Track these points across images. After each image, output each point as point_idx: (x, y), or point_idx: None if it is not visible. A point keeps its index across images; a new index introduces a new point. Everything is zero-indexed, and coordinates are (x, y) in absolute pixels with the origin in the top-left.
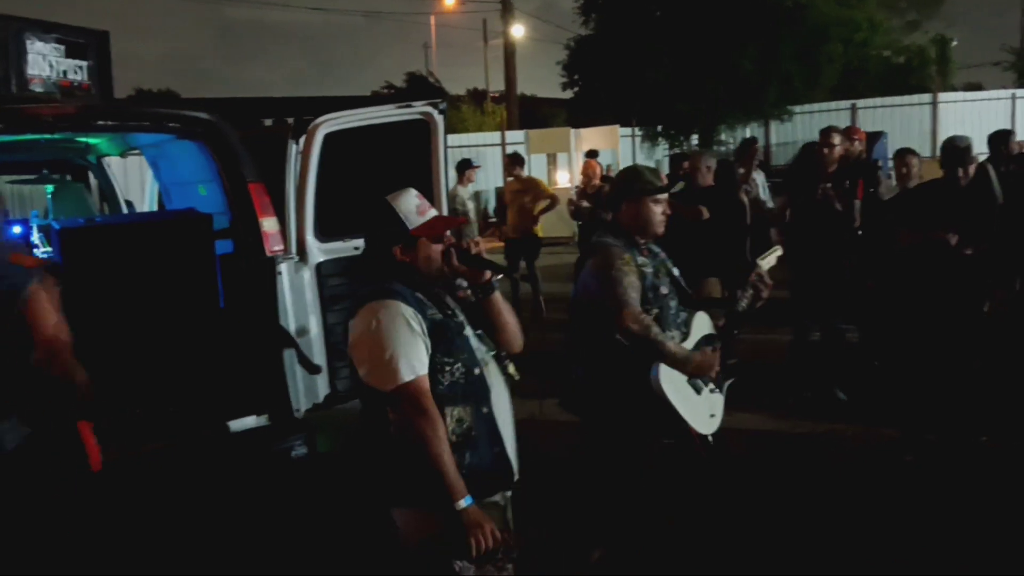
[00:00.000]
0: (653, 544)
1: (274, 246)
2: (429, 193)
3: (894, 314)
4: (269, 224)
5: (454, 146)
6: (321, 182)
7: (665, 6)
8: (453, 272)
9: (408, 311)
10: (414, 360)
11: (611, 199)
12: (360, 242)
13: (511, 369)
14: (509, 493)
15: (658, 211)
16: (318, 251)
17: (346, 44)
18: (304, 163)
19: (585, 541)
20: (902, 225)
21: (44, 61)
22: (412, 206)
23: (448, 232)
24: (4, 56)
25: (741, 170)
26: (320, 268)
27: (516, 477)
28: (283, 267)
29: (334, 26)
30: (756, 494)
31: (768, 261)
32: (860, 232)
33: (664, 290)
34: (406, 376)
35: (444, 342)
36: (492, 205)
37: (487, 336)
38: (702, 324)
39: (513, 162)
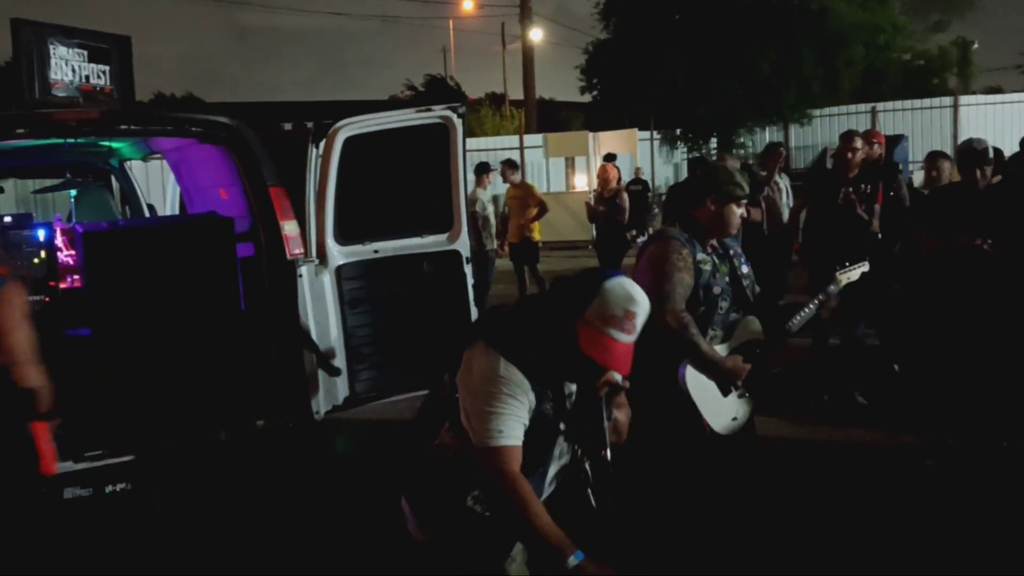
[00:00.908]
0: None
1: (294, 249)
2: (448, 197)
3: (915, 318)
4: (290, 227)
5: (472, 150)
6: (341, 186)
7: (684, 9)
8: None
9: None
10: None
11: (694, 193)
12: (380, 245)
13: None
14: None
15: (738, 214)
16: (338, 254)
17: (362, 48)
18: (324, 167)
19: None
20: (922, 230)
21: (67, 66)
22: (619, 311)
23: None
24: (28, 61)
25: (763, 173)
26: (340, 271)
27: None
28: (303, 270)
29: (350, 30)
30: (774, 497)
31: (849, 276)
32: (879, 236)
33: (717, 290)
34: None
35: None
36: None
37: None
38: (749, 329)
39: (509, 168)
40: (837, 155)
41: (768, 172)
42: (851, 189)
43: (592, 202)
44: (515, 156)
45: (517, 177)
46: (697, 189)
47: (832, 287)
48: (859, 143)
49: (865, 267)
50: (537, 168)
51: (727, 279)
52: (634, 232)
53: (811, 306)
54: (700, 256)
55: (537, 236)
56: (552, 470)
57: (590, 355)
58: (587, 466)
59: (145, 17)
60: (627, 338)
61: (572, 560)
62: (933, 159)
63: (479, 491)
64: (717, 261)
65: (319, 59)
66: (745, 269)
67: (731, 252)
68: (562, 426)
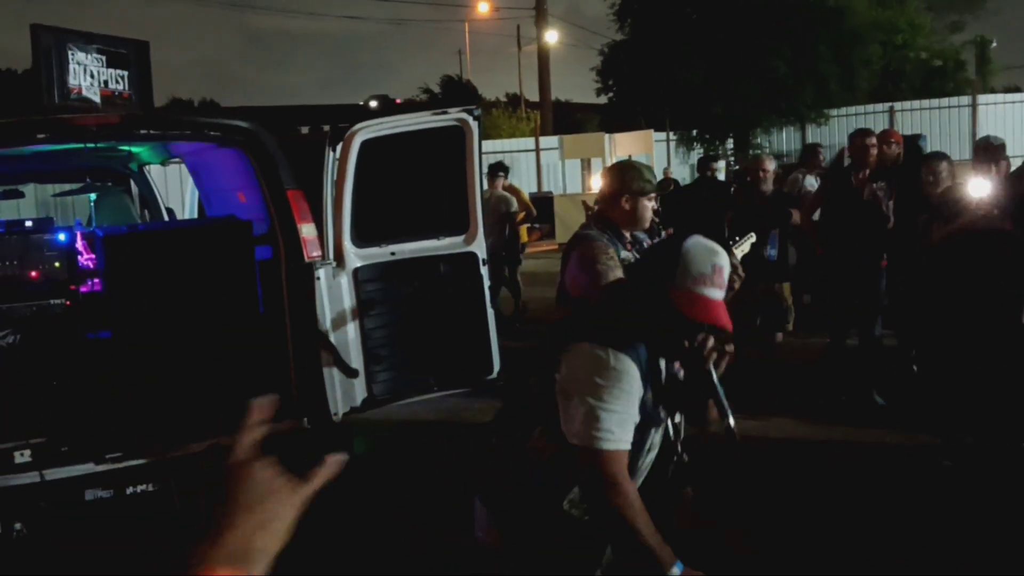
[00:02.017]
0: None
1: (312, 252)
2: (464, 199)
3: (932, 317)
4: (307, 230)
5: (488, 152)
6: (358, 188)
7: (699, 9)
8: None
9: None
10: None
11: (608, 194)
12: (397, 247)
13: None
14: None
15: (650, 207)
16: (355, 256)
17: (375, 51)
18: (341, 170)
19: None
20: (935, 220)
21: (85, 71)
22: (707, 268)
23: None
24: (47, 66)
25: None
26: (357, 273)
27: None
28: (321, 272)
29: (363, 33)
30: (788, 498)
31: (742, 248)
32: (892, 232)
33: None
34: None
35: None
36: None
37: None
38: None
39: (498, 171)
40: (854, 151)
41: (810, 171)
42: (882, 183)
43: (592, 203)
44: (531, 158)
45: (499, 186)
46: (610, 191)
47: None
48: (873, 138)
49: (752, 238)
50: (553, 170)
51: None
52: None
53: None
54: (624, 254)
55: (524, 238)
56: (644, 461)
57: (692, 318)
58: (682, 452)
59: (158, 22)
60: (719, 293)
61: (674, 571)
62: (928, 162)
63: (577, 496)
64: (639, 256)
65: (333, 62)
66: None
67: (645, 245)
68: (662, 413)
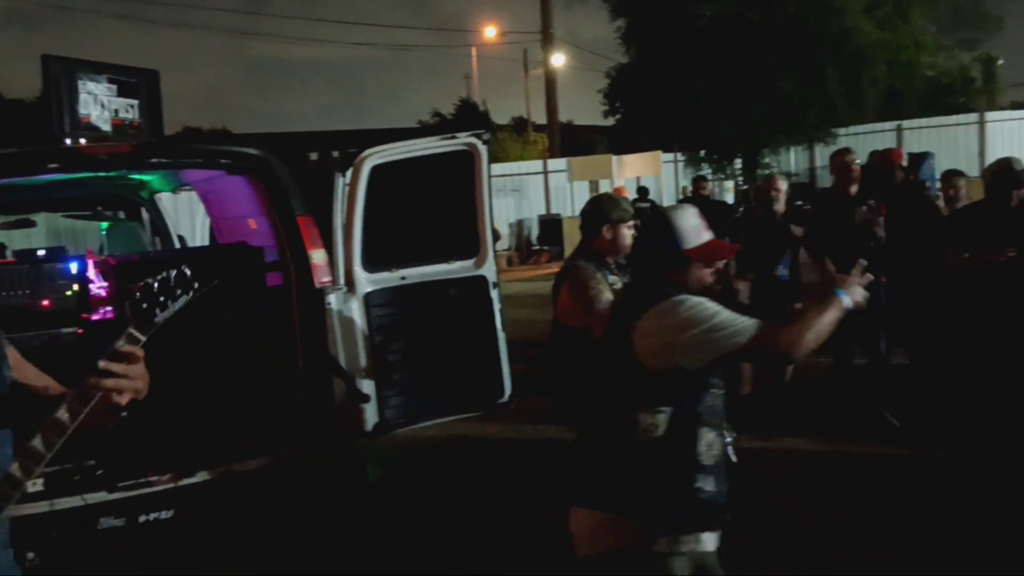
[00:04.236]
0: None
1: (323, 277)
2: (474, 223)
3: (945, 336)
4: (318, 256)
5: (497, 175)
6: (368, 213)
7: (704, 32)
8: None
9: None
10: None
11: (588, 226)
12: (407, 272)
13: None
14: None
15: (630, 235)
16: (366, 281)
17: (381, 77)
18: (351, 195)
19: None
20: (952, 246)
21: (96, 101)
22: (691, 225)
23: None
24: (57, 96)
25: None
26: (368, 298)
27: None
28: (332, 298)
29: (369, 60)
30: (802, 512)
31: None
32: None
33: None
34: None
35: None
36: (536, 233)
37: None
38: None
39: None
40: (836, 170)
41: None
42: (864, 207)
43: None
44: (539, 180)
45: None
46: (590, 222)
47: None
48: (854, 155)
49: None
50: (561, 192)
51: None
52: None
53: None
54: (611, 279)
55: None
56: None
57: (707, 263)
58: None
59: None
60: (709, 233)
61: (842, 298)
62: (949, 179)
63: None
64: (623, 279)
65: (334, 90)
66: None
67: (628, 268)
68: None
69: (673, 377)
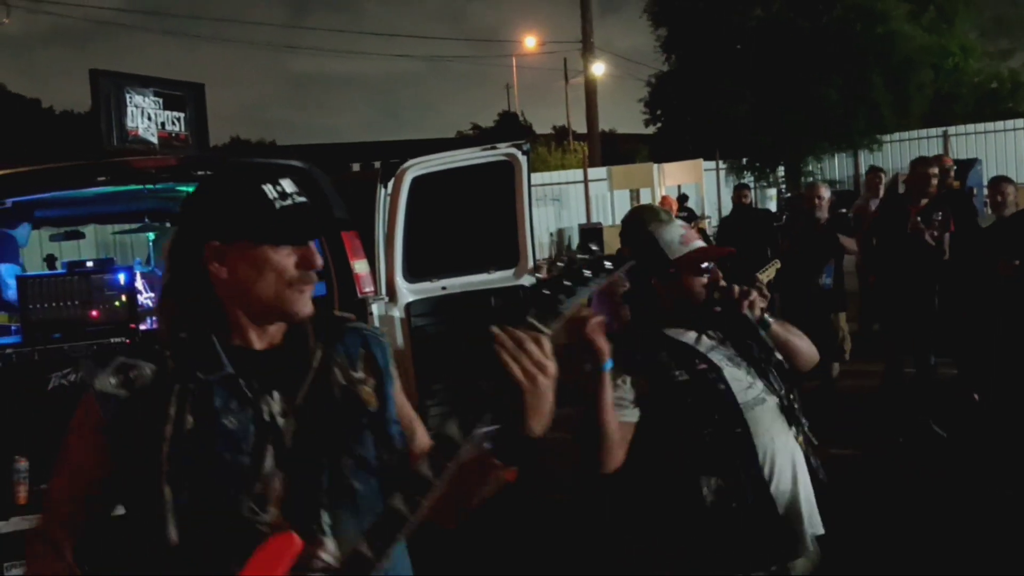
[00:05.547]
0: None
1: (365, 287)
2: (514, 233)
3: (994, 346)
4: (360, 266)
5: (538, 184)
6: (409, 224)
7: (746, 39)
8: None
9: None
10: None
11: (629, 234)
12: (448, 282)
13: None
14: (800, 561)
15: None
16: (407, 291)
17: (421, 89)
18: (393, 206)
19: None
20: (1000, 255)
21: (143, 114)
22: (676, 235)
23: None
24: (106, 110)
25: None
26: (409, 308)
27: (807, 543)
28: (374, 307)
29: (403, 74)
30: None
31: (767, 274)
32: (947, 260)
33: None
34: None
35: (694, 405)
36: (576, 242)
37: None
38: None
39: None
40: (913, 180)
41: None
42: (919, 218)
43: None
44: (580, 189)
45: None
46: (629, 231)
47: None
48: (935, 168)
49: (778, 264)
50: (602, 201)
51: None
52: None
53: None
54: None
55: None
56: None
57: (694, 270)
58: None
59: (205, 66)
60: (698, 241)
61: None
62: (997, 184)
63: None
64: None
65: (373, 103)
66: None
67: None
68: (728, 373)
69: None
